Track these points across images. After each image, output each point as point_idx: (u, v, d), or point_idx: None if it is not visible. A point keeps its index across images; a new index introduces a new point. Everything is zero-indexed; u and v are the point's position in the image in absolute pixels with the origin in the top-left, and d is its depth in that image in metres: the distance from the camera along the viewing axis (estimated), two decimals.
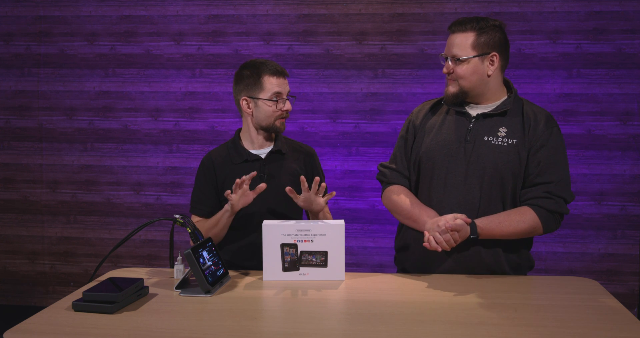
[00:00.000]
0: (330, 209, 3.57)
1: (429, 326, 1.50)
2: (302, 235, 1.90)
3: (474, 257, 1.97)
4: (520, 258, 2.03)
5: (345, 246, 1.94)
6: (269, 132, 2.19)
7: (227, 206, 2.04)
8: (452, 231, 1.82)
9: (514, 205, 1.97)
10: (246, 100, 2.16)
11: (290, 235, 1.90)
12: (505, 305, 1.67)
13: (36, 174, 3.82)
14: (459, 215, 1.87)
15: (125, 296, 1.64)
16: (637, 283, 3.46)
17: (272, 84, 2.12)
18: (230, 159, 2.19)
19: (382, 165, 2.17)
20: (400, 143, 2.13)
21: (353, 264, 3.60)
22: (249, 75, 2.14)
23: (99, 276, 1.97)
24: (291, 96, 2.18)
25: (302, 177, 2.00)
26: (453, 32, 1.96)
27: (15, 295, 3.90)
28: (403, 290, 1.82)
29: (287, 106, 2.15)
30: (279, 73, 2.13)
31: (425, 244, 1.85)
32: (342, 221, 1.92)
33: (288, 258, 1.91)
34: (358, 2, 3.52)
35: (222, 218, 2.07)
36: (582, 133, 3.43)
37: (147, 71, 3.69)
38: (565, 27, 3.40)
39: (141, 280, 1.74)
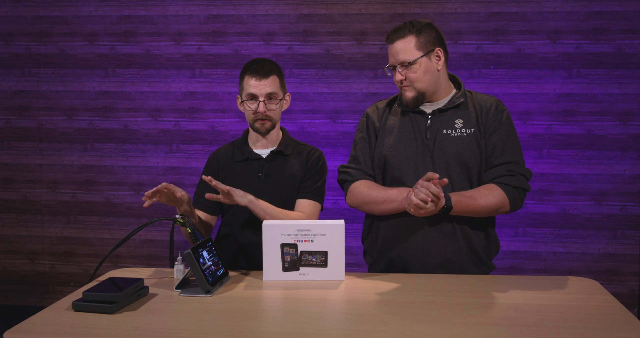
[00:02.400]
0: (330, 209, 3.58)
1: (429, 326, 1.50)
2: (302, 235, 1.90)
3: (442, 241, 2.00)
4: (489, 242, 2.07)
5: (345, 246, 1.94)
6: (255, 132, 2.19)
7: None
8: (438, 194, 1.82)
9: None
10: (239, 98, 2.20)
11: (290, 235, 1.90)
12: (505, 305, 1.67)
13: (36, 174, 3.82)
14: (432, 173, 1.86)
15: (125, 296, 1.64)
16: (637, 283, 3.46)
17: (248, 84, 2.13)
18: (233, 157, 2.21)
19: (342, 166, 2.19)
20: (361, 144, 2.15)
21: (353, 264, 3.60)
22: (240, 74, 2.19)
23: (99, 276, 1.97)
24: (270, 99, 2.13)
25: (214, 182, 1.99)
26: (392, 41, 2.02)
27: (15, 295, 3.90)
28: (403, 290, 1.82)
29: (260, 108, 2.12)
30: (256, 74, 2.12)
31: (412, 199, 1.82)
32: (342, 221, 1.92)
33: (288, 258, 1.91)
34: (358, 2, 3.52)
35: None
36: (582, 133, 3.43)
37: (147, 71, 3.69)
38: (565, 27, 3.40)
39: (141, 280, 1.74)
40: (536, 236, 3.49)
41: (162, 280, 1.92)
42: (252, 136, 2.23)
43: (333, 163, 3.60)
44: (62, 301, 1.71)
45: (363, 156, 2.14)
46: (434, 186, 1.80)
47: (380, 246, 2.11)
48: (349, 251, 3.57)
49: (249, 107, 2.14)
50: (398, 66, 2.02)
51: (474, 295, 1.76)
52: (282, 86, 2.19)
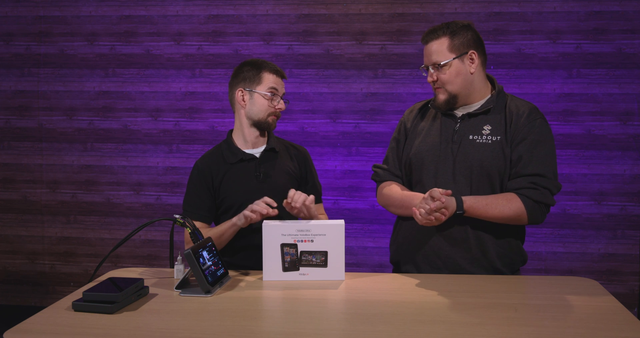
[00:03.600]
0: (330, 209, 3.58)
1: (429, 326, 1.50)
2: (302, 235, 1.90)
3: (463, 251, 1.99)
4: (511, 252, 2.03)
5: (345, 246, 1.95)
6: (260, 128, 2.19)
7: (236, 221, 2.03)
8: (439, 208, 1.84)
9: None
10: (242, 91, 2.18)
11: (290, 235, 1.90)
12: (505, 305, 1.67)
13: (36, 174, 3.82)
14: (437, 189, 1.89)
15: (125, 296, 1.64)
16: (637, 283, 3.46)
17: (269, 80, 2.17)
18: (224, 160, 2.19)
19: (375, 166, 2.23)
20: (392, 144, 2.19)
21: (353, 264, 3.60)
22: (249, 69, 2.18)
23: (99, 276, 1.97)
24: (285, 100, 2.22)
25: (289, 197, 1.99)
26: (427, 42, 2.01)
27: (15, 295, 3.90)
28: (403, 290, 1.82)
29: (281, 105, 2.18)
30: (278, 72, 2.19)
31: (416, 215, 1.87)
32: (342, 221, 1.92)
33: (288, 258, 1.91)
34: (358, 2, 3.53)
35: (228, 231, 2.07)
36: (582, 133, 3.43)
37: (147, 71, 3.69)
38: (565, 27, 3.40)
39: (141, 280, 1.74)
40: (536, 236, 3.49)
41: (162, 280, 1.92)
42: (243, 134, 2.21)
43: (333, 163, 3.60)
44: (62, 301, 1.71)
45: (392, 156, 2.17)
46: (432, 203, 1.83)
47: (399, 246, 2.12)
48: (349, 251, 3.57)
49: (266, 100, 2.15)
50: (430, 67, 2.01)
51: (474, 295, 1.76)
52: None
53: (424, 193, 2.01)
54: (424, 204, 1.86)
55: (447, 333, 1.45)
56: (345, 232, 1.93)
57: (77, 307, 1.61)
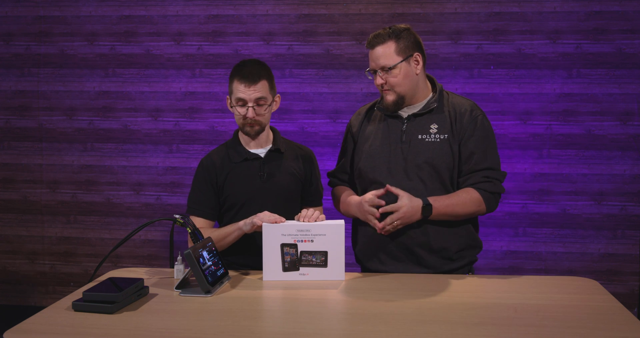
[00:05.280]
0: (330, 209, 3.57)
1: (429, 326, 1.50)
2: (302, 235, 1.90)
3: (421, 240, 2.06)
4: (469, 239, 2.11)
5: (345, 246, 1.95)
6: (246, 134, 2.17)
7: (242, 226, 2.02)
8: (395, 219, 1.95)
9: None
10: (228, 98, 2.18)
11: (290, 235, 1.90)
12: (505, 305, 1.67)
13: (36, 174, 3.82)
14: (374, 192, 2.01)
15: (125, 296, 1.64)
16: (637, 283, 3.46)
17: (237, 89, 2.10)
18: (229, 159, 2.19)
19: (328, 174, 2.35)
20: (342, 152, 2.31)
21: (353, 264, 3.59)
22: (229, 76, 2.16)
23: (99, 276, 1.97)
24: (259, 105, 2.10)
25: (302, 215, 2.00)
26: (373, 46, 2.08)
27: (15, 295, 3.90)
28: (403, 290, 1.82)
29: (249, 113, 2.09)
30: (245, 80, 2.08)
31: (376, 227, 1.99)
32: (342, 221, 1.93)
33: (288, 258, 1.91)
34: (358, 2, 3.53)
35: (233, 234, 2.06)
36: (582, 133, 3.44)
37: (147, 71, 3.69)
38: (565, 27, 3.40)
39: (141, 280, 1.75)
40: (536, 236, 3.49)
41: (162, 280, 1.92)
42: (244, 136, 2.22)
43: (333, 163, 3.60)
44: (62, 301, 1.71)
45: (341, 164, 2.28)
46: (373, 209, 1.98)
47: (361, 244, 2.20)
48: (349, 251, 3.56)
49: (238, 112, 2.12)
50: (379, 71, 2.07)
51: (474, 295, 1.76)
52: (272, 89, 2.15)
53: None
54: (372, 217, 1.99)
55: (447, 333, 1.45)
56: (345, 232, 1.93)
57: (77, 307, 1.61)
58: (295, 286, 1.85)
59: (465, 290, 1.81)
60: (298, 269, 1.91)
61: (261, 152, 2.20)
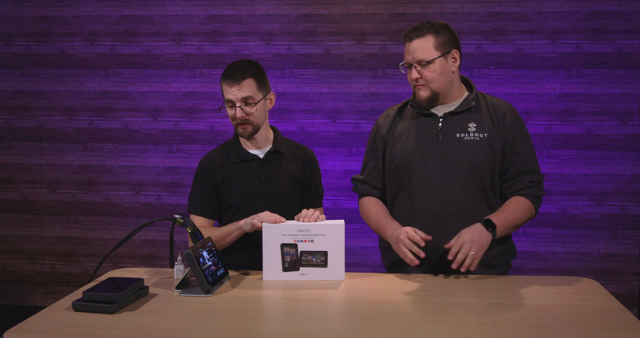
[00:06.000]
0: (330, 209, 3.58)
1: (429, 326, 1.50)
2: (302, 235, 1.90)
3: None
4: (505, 245, 2.07)
5: (345, 246, 1.94)
6: (241, 135, 2.17)
7: (243, 225, 2.02)
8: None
9: (494, 195, 2.05)
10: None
11: (290, 235, 1.90)
12: (505, 305, 1.67)
13: (36, 174, 3.82)
14: (411, 232, 1.92)
15: (125, 296, 1.64)
16: (637, 283, 3.46)
17: (224, 90, 2.11)
18: (228, 159, 2.19)
19: (354, 179, 2.24)
20: (369, 156, 2.19)
21: (353, 264, 3.60)
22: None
23: (99, 276, 1.97)
24: (247, 104, 2.08)
25: (302, 216, 1.98)
26: (410, 39, 2.01)
27: (15, 295, 3.90)
28: (403, 290, 1.82)
29: (237, 113, 2.09)
30: (229, 80, 2.08)
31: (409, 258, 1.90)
32: (342, 221, 1.92)
33: (288, 258, 1.91)
34: (358, 2, 3.53)
35: (233, 233, 2.05)
36: (582, 133, 3.44)
37: (147, 71, 3.69)
38: (565, 27, 3.40)
39: (141, 280, 1.74)
40: (536, 236, 3.49)
41: (162, 280, 1.92)
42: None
43: (333, 163, 3.60)
44: (62, 301, 1.71)
45: (371, 167, 2.17)
46: (410, 243, 1.89)
47: (388, 248, 2.09)
48: (349, 251, 3.57)
49: (228, 113, 2.13)
50: (415, 65, 2.00)
51: (474, 295, 1.76)
52: (261, 87, 2.12)
53: (409, 197, 2.03)
54: (407, 251, 1.89)
55: (447, 333, 1.45)
56: (345, 232, 1.93)
57: (77, 307, 1.61)
58: (295, 286, 1.85)
59: (466, 290, 1.81)
60: (298, 269, 1.91)
61: (261, 153, 2.20)
